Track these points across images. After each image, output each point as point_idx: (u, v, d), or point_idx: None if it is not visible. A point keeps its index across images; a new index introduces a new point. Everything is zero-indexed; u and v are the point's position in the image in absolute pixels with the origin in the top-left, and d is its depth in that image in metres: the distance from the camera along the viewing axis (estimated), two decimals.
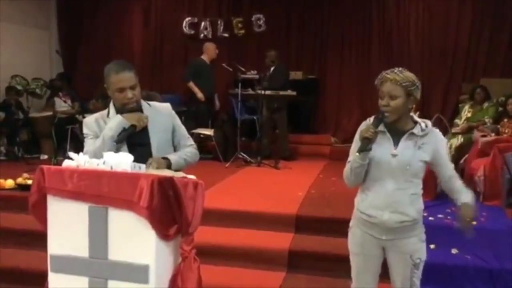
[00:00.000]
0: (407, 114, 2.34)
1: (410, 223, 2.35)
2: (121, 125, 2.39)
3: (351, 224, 2.52)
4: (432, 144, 2.33)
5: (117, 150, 2.28)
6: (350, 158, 2.41)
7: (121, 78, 2.40)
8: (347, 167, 2.42)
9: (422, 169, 2.35)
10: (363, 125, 2.39)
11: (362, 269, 2.49)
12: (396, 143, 2.33)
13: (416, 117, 2.38)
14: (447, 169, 2.39)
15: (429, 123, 2.39)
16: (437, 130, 2.41)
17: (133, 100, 2.44)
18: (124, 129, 2.39)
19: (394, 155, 2.31)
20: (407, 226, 2.35)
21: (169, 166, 2.41)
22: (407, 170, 2.30)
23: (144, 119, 2.44)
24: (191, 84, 7.07)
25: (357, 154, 2.30)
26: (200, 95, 7.01)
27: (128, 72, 2.42)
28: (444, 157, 2.38)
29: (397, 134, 2.34)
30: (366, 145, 2.27)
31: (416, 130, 2.32)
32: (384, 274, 2.52)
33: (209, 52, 7.15)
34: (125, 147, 2.40)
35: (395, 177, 2.32)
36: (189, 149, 2.60)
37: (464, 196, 2.35)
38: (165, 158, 2.43)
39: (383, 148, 2.33)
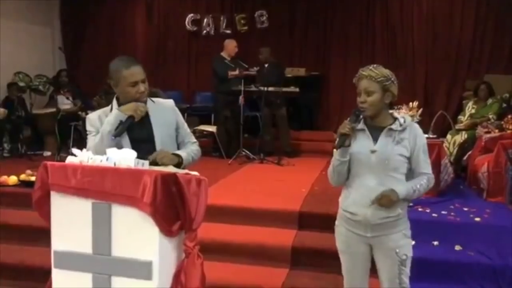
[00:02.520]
0: (385, 110, 2.37)
1: (394, 219, 2.35)
2: (118, 118, 2.35)
3: (336, 222, 2.52)
4: (410, 138, 2.34)
5: (120, 147, 2.27)
6: (332, 158, 2.42)
7: (133, 72, 2.40)
8: (330, 166, 2.44)
9: (402, 164, 2.34)
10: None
11: (351, 267, 2.49)
12: (375, 139, 2.35)
13: (396, 114, 2.41)
14: (419, 167, 2.37)
15: (408, 118, 2.41)
16: (416, 125, 2.42)
17: (146, 93, 2.42)
18: (121, 122, 2.34)
19: (373, 151, 2.33)
20: (391, 222, 2.35)
21: (179, 163, 2.39)
22: (387, 165, 2.31)
23: (141, 108, 2.39)
24: (229, 73, 6.72)
25: (334, 150, 2.33)
26: (237, 72, 6.67)
27: (138, 66, 2.43)
28: (420, 154, 2.36)
29: (376, 131, 2.36)
30: (344, 141, 2.29)
31: (395, 125, 2.34)
32: (374, 272, 2.51)
33: (228, 49, 7.01)
34: (128, 143, 2.39)
35: (376, 173, 2.33)
36: (194, 147, 2.59)
37: (401, 186, 2.31)
38: (176, 155, 2.41)
39: (362, 144, 2.35)
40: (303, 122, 7.89)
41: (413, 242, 2.45)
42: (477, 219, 3.99)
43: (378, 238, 2.38)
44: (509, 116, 5.42)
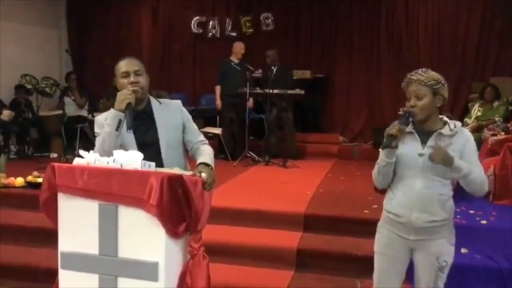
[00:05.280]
0: (435, 114, 2.33)
1: (439, 224, 2.33)
2: (116, 117, 2.31)
3: (379, 224, 2.51)
4: (459, 144, 2.30)
5: (124, 149, 2.28)
6: (378, 159, 2.40)
7: (126, 62, 2.44)
8: (375, 167, 2.41)
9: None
10: None
11: (386, 269, 2.46)
12: (424, 142, 2.32)
13: (446, 118, 2.37)
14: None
15: (458, 123, 2.37)
16: (467, 131, 2.39)
17: (137, 85, 2.40)
18: (120, 120, 2.31)
19: (421, 155, 2.30)
20: (436, 226, 2.33)
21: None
22: (434, 169, 2.29)
23: (128, 94, 2.32)
24: (216, 88, 7.05)
25: (380, 150, 2.31)
26: (218, 102, 7.02)
27: (134, 59, 2.47)
28: (471, 158, 2.32)
29: (425, 134, 2.34)
30: (390, 142, 2.26)
31: (445, 130, 2.31)
32: (406, 277, 2.49)
33: (235, 51, 7.06)
34: (134, 146, 2.40)
35: (423, 177, 2.31)
36: (206, 148, 2.52)
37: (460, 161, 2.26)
38: (207, 165, 2.35)
39: (410, 147, 2.33)
40: (308, 124, 7.89)
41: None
42: (483, 222, 3.96)
43: (422, 242, 2.36)
44: None
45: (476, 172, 2.29)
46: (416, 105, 2.28)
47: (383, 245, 2.46)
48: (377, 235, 2.50)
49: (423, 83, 2.28)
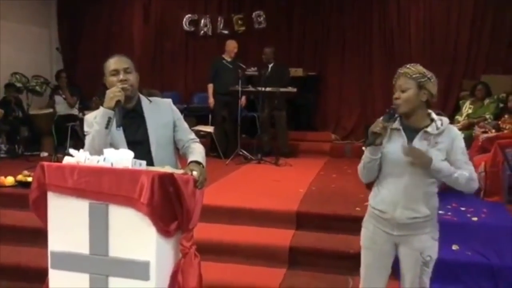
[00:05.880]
0: (421, 109, 2.32)
1: (422, 220, 2.34)
2: (105, 115, 2.29)
3: (364, 219, 2.53)
4: (446, 143, 2.29)
5: (114, 147, 2.26)
6: (363, 155, 2.40)
7: (115, 60, 2.42)
8: (361, 162, 2.42)
9: None
10: None
11: (372, 264, 2.48)
12: (410, 140, 2.32)
13: (434, 115, 2.36)
14: (459, 169, 2.30)
15: (446, 120, 2.36)
16: (454, 128, 2.38)
17: (127, 83, 2.38)
18: (109, 118, 2.28)
19: None
20: (419, 222, 2.34)
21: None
22: (419, 168, 2.28)
23: (116, 91, 2.30)
24: (208, 86, 7.01)
25: (363, 148, 2.32)
26: (211, 100, 6.99)
27: (123, 57, 2.44)
28: (458, 156, 2.30)
29: (411, 132, 2.33)
30: (375, 139, 2.27)
31: (431, 128, 2.30)
32: (392, 272, 2.51)
33: (228, 49, 7.02)
34: (124, 144, 2.38)
35: (407, 174, 2.31)
36: (197, 146, 2.51)
37: (441, 162, 2.25)
38: (199, 163, 2.34)
39: (396, 144, 2.33)
40: (300, 122, 7.89)
41: None
42: (474, 218, 3.99)
43: (405, 237, 2.37)
44: (506, 116, 5.44)
45: (461, 172, 2.27)
46: (400, 97, 2.29)
47: (369, 240, 2.48)
48: (363, 230, 2.52)
49: (408, 76, 2.29)
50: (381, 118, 2.30)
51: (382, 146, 2.31)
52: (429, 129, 2.30)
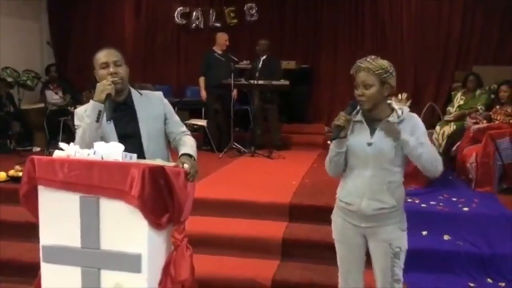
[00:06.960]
0: (383, 102, 2.34)
1: (388, 211, 2.35)
2: (95, 108, 2.28)
3: (333, 212, 2.55)
4: (408, 130, 2.31)
5: (105, 140, 2.25)
6: (329, 150, 2.43)
7: (105, 53, 2.41)
8: (327, 157, 2.44)
9: (398, 156, 2.33)
10: None
11: (345, 256, 2.51)
12: (373, 131, 2.34)
13: (394, 104, 2.37)
14: None
15: (406, 109, 2.38)
16: (415, 116, 2.39)
17: (117, 75, 2.37)
18: (100, 111, 2.28)
19: (369, 144, 2.32)
20: (385, 213, 2.35)
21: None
22: (383, 157, 2.31)
23: (107, 84, 2.29)
24: (200, 80, 6.96)
25: (329, 142, 2.33)
26: (203, 93, 6.96)
27: (113, 50, 2.43)
28: (421, 139, 2.30)
29: (374, 123, 2.35)
30: (339, 132, 2.29)
31: (392, 117, 2.32)
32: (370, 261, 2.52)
33: (219, 42, 6.96)
34: (115, 138, 2.38)
35: (372, 165, 2.33)
36: (188, 139, 2.51)
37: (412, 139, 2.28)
38: (190, 155, 2.35)
39: (359, 136, 2.35)
40: (293, 115, 7.90)
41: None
42: (466, 209, 4.03)
43: (372, 229, 2.39)
44: (497, 107, 5.47)
45: (425, 149, 2.28)
46: (364, 94, 2.29)
47: (339, 233, 2.50)
48: (332, 224, 2.54)
49: (371, 71, 2.27)
50: (343, 111, 2.31)
51: (346, 139, 2.33)
52: (390, 118, 2.32)
